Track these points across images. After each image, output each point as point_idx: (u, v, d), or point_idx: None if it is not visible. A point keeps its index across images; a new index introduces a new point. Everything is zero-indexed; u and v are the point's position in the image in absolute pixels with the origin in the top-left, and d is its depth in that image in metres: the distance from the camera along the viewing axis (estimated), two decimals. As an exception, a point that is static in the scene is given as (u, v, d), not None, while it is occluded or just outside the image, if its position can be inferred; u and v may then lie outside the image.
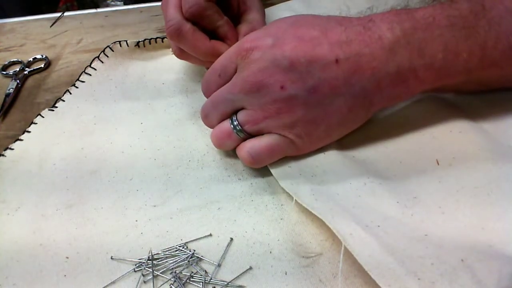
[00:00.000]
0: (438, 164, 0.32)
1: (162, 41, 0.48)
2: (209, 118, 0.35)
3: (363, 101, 0.32)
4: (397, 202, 0.30)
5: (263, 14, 0.42)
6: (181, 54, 0.41)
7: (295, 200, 0.31)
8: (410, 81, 0.31)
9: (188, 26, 0.38)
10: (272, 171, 0.34)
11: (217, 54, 0.36)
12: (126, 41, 0.47)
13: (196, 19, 0.38)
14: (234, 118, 0.33)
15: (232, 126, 0.33)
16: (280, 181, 0.33)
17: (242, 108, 0.33)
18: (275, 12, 0.53)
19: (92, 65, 0.47)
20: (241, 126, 0.33)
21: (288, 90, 0.30)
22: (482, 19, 0.30)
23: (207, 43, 0.39)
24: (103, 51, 0.47)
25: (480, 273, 0.24)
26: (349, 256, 0.27)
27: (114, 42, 0.47)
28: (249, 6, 0.41)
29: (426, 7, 0.31)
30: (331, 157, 0.34)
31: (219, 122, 0.35)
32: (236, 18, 0.42)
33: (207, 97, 0.36)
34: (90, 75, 0.46)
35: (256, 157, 0.33)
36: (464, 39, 0.30)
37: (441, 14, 0.30)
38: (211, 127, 0.36)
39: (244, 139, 0.34)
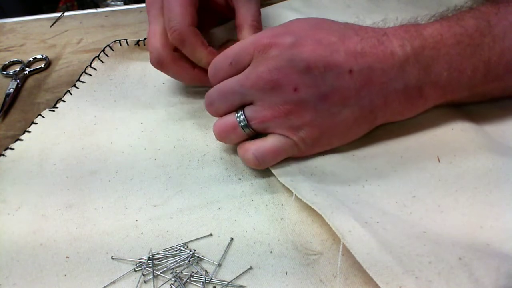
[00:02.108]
0: (439, 161, 0.32)
1: (162, 41, 0.48)
2: (214, 106, 0.35)
3: (368, 114, 0.32)
4: (396, 202, 0.30)
5: (256, 5, 0.40)
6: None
7: (295, 196, 0.31)
8: (415, 98, 0.32)
9: (168, 56, 0.38)
10: (272, 169, 0.34)
11: (203, 82, 0.35)
12: (126, 40, 0.47)
13: (178, 46, 0.37)
14: (241, 112, 0.33)
15: (238, 120, 0.33)
16: (280, 177, 0.33)
17: (250, 103, 0.33)
18: (275, 11, 0.53)
19: (92, 65, 0.47)
20: (247, 122, 0.33)
21: (300, 93, 0.30)
22: (488, 35, 0.30)
23: (191, 72, 0.39)
24: (103, 50, 0.47)
25: (477, 272, 0.24)
26: (349, 255, 0.27)
27: (114, 41, 0.47)
28: (239, 3, 0.40)
29: (434, 23, 0.32)
30: (330, 159, 0.34)
31: (225, 112, 0.34)
32: (226, 14, 0.41)
33: (213, 83, 0.35)
34: (91, 75, 0.46)
35: (261, 159, 0.33)
36: (469, 56, 0.31)
37: (448, 32, 0.31)
38: (215, 115, 0.35)
39: (249, 135, 0.34)
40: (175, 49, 0.38)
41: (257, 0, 0.41)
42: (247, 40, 0.32)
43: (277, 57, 0.30)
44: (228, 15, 0.42)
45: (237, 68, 0.33)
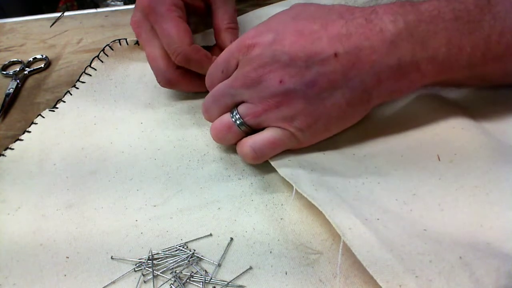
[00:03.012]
0: (439, 160, 0.32)
1: (162, 41, 0.48)
2: (209, 112, 0.36)
3: (362, 95, 0.32)
4: (396, 200, 0.30)
5: (232, 5, 0.43)
6: None
7: (294, 193, 0.31)
8: (412, 74, 0.31)
9: (174, 75, 0.40)
10: (271, 161, 0.34)
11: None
12: (126, 39, 0.47)
13: (184, 66, 0.39)
14: (235, 111, 0.33)
15: (233, 119, 0.33)
16: (280, 169, 0.33)
17: (242, 102, 0.33)
18: (275, 10, 0.52)
19: (92, 65, 0.47)
20: (242, 119, 0.33)
21: (286, 84, 0.31)
22: (488, 13, 0.30)
23: (199, 82, 0.40)
24: (103, 50, 0.47)
25: (478, 272, 0.24)
26: (349, 255, 0.27)
27: (114, 41, 0.47)
28: (216, 4, 0.42)
29: (431, 0, 0.31)
30: (330, 157, 0.34)
31: (220, 116, 0.35)
32: (206, 15, 0.42)
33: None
34: (90, 75, 0.46)
35: (259, 152, 0.33)
36: (468, 33, 0.30)
37: (446, 7, 0.30)
38: (211, 120, 0.36)
39: (245, 132, 0.34)
40: (178, 65, 0.40)
41: (233, 0, 0.42)
42: (232, 45, 0.33)
43: (260, 55, 0.31)
44: (206, 14, 0.44)
45: (228, 73, 0.34)
